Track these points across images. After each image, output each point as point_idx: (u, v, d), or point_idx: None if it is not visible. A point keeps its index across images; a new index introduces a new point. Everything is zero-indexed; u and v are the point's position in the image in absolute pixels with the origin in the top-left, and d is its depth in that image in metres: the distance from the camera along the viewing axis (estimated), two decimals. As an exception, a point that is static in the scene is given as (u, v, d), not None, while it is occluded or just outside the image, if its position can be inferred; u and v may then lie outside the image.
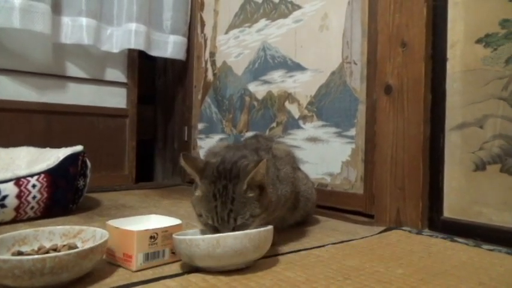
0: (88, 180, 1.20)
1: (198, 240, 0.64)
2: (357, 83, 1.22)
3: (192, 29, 1.97)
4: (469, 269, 0.71)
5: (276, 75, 1.50)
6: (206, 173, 0.71)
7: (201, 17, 1.93)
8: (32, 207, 1.03)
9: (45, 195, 1.05)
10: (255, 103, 1.59)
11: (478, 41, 0.94)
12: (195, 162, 0.73)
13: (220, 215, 0.68)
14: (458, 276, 0.67)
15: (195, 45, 1.96)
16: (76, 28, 1.63)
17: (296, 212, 0.99)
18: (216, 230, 0.68)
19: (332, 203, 1.24)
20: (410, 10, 1.04)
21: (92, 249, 0.60)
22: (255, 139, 0.99)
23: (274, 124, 1.49)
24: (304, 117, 1.38)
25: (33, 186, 1.03)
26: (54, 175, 1.08)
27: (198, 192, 0.72)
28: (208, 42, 1.88)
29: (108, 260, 0.70)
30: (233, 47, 1.72)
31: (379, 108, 1.11)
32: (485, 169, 0.92)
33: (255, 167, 0.68)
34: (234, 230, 0.67)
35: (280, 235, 0.91)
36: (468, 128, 0.95)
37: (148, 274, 0.65)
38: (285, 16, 1.47)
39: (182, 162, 0.72)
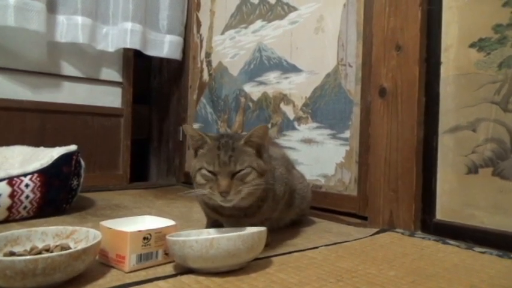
0: (82, 179, 1.20)
1: (192, 242, 0.64)
2: (352, 85, 1.22)
3: (188, 29, 1.97)
4: (461, 271, 0.71)
5: (272, 76, 1.50)
6: (211, 135, 0.78)
7: (197, 17, 1.93)
8: (25, 207, 1.03)
9: (39, 194, 1.04)
10: (250, 104, 1.60)
11: (472, 45, 0.95)
12: (198, 130, 0.79)
13: (223, 159, 0.72)
14: (450, 279, 0.67)
15: (190, 45, 1.96)
16: (71, 27, 1.63)
17: (292, 209, 1.00)
18: (214, 180, 0.72)
19: (326, 205, 1.25)
20: (405, 14, 1.05)
21: (84, 250, 0.60)
22: None
23: (269, 125, 1.50)
24: (299, 119, 1.39)
25: (27, 185, 1.02)
26: (47, 174, 1.07)
27: (201, 151, 0.77)
28: (204, 43, 1.88)
29: (101, 261, 0.70)
30: (229, 48, 1.72)
31: (374, 111, 1.12)
32: (478, 172, 0.93)
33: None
34: (233, 177, 0.71)
35: (273, 236, 0.91)
36: (461, 131, 0.96)
37: (141, 275, 0.65)
38: (281, 17, 1.47)
39: (188, 130, 0.79)
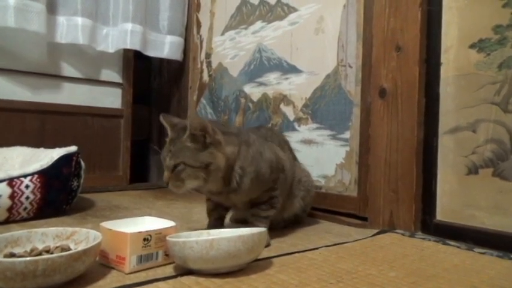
0: (82, 180, 1.20)
1: (192, 243, 0.64)
2: (352, 86, 1.22)
3: (188, 30, 1.97)
4: (461, 272, 0.71)
5: (272, 77, 1.50)
6: (176, 127, 0.83)
7: (197, 18, 1.93)
8: (25, 208, 1.02)
9: (39, 195, 1.04)
10: (250, 105, 1.60)
11: (472, 46, 0.95)
12: (171, 119, 0.86)
13: (164, 154, 0.80)
14: (450, 279, 0.67)
15: (191, 46, 1.96)
16: (71, 28, 1.63)
17: (296, 199, 1.02)
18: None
19: (326, 205, 1.25)
20: (405, 14, 1.05)
21: (85, 251, 0.60)
22: (261, 128, 1.09)
23: (269, 126, 1.50)
24: (299, 120, 1.39)
25: (27, 186, 1.02)
26: (47, 175, 1.07)
27: None
28: (204, 44, 1.88)
29: (101, 262, 0.70)
30: (229, 49, 1.72)
31: (374, 112, 1.12)
32: (478, 173, 0.93)
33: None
34: (172, 171, 0.78)
35: (273, 237, 0.91)
36: (461, 132, 0.96)
37: (142, 276, 0.65)
38: (280, 18, 1.47)
39: (161, 119, 0.85)
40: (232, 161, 0.82)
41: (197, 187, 0.81)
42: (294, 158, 1.10)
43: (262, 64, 1.55)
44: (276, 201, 0.91)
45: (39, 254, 0.65)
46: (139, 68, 2.00)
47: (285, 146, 1.07)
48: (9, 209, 0.99)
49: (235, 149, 0.83)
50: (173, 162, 0.77)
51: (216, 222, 0.94)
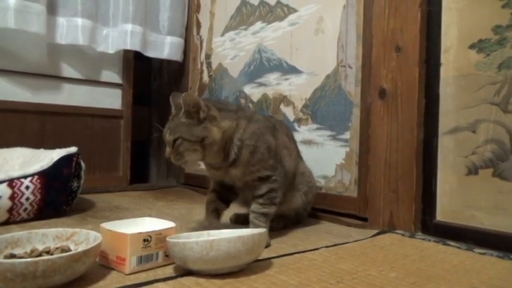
0: (82, 181, 1.20)
1: (192, 244, 0.64)
2: (352, 87, 1.22)
3: (188, 30, 1.97)
4: (461, 273, 0.71)
5: (272, 77, 1.50)
6: (178, 106, 0.86)
7: (197, 19, 1.93)
8: (25, 209, 1.03)
9: (39, 196, 1.05)
10: (250, 105, 1.60)
11: (471, 47, 0.95)
12: (176, 98, 0.89)
13: (165, 132, 0.85)
14: (450, 280, 0.67)
15: (190, 46, 1.96)
16: (71, 28, 1.63)
17: (297, 194, 1.02)
18: None
19: (326, 206, 1.25)
20: (405, 15, 1.05)
21: (85, 252, 0.60)
22: (273, 118, 1.15)
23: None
24: (299, 120, 1.39)
25: (27, 187, 1.02)
26: (47, 176, 1.07)
27: None
28: (204, 44, 1.88)
29: (101, 263, 0.70)
30: (229, 49, 1.72)
31: (374, 112, 1.12)
32: (478, 173, 0.93)
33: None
34: (172, 147, 0.83)
35: (273, 238, 0.91)
36: (461, 132, 0.96)
37: (142, 277, 0.65)
38: (280, 19, 1.48)
39: (170, 99, 0.90)
40: (230, 134, 0.87)
41: (196, 160, 0.87)
42: (299, 154, 1.12)
43: (262, 65, 1.55)
44: (276, 196, 0.91)
45: (39, 255, 0.65)
46: (139, 68, 2.01)
47: (292, 139, 1.09)
48: (10, 210, 0.99)
49: (233, 123, 0.87)
50: (172, 137, 0.83)
51: (212, 214, 0.95)
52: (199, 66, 1.91)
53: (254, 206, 0.89)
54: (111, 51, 1.75)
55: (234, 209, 1.05)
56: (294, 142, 1.11)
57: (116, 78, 1.88)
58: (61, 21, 1.62)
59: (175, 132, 0.83)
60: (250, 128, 0.89)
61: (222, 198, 0.97)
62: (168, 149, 0.84)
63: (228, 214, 1.10)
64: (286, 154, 0.97)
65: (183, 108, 0.82)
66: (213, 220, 0.94)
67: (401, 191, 1.04)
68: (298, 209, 1.04)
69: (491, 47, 0.92)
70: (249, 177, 0.90)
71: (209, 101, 0.87)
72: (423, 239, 0.94)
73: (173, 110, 0.88)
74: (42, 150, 1.27)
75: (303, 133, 1.37)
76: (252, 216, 0.89)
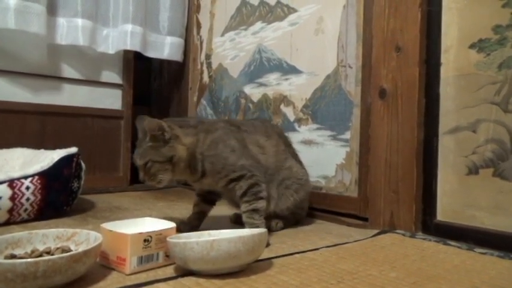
0: (82, 182, 1.20)
1: (192, 244, 0.64)
2: (352, 87, 1.22)
3: (188, 30, 1.97)
4: (462, 273, 0.71)
5: (272, 77, 1.50)
6: (143, 130, 0.91)
7: (197, 19, 1.93)
8: (26, 210, 1.03)
9: (39, 197, 1.05)
10: (251, 105, 1.60)
11: (472, 46, 0.95)
12: (141, 123, 0.93)
13: (134, 156, 0.90)
14: (451, 280, 0.67)
15: (191, 47, 1.96)
16: (71, 29, 1.63)
17: (287, 192, 1.02)
18: None
19: (326, 206, 1.25)
20: (405, 15, 1.05)
21: (85, 253, 0.60)
22: (256, 121, 1.20)
23: (266, 119, 1.49)
24: (299, 120, 1.39)
25: (27, 188, 1.02)
26: (48, 177, 1.07)
27: None
28: (204, 44, 1.88)
29: (101, 263, 0.70)
30: (229, 49, 1.72)
31: (374, 112, 1.12)
32: (478, 173, 0.93)
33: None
34: (144, 170, 0.88)
35: (273, 238, 0.91)
36: (461, 132, 0.96)
37: (142, 277, 0.65)
38: (280, 19, 1.48)
39: (137, 123, 0.95)
40: (193, 150, 0.91)
41: (169, 178, 0.90)
42: (294, 154, 1.11)
43: (262, 65, 1.55)
44: (259, 190, 0.91)
45: (40, 255, 0.64)
46: (139, 69, 2.00)
47: (281, 139, 1.08)
48: (10, 211, 0.99)
49: (193, 138, 0.92)
50: (142, 161, 0.88)
51: (195, 216, 1.02)
52: (199, 66, 1.91)
53: (243, 206, 0.90)
54: (111, 51, 1.75)
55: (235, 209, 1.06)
56: (285, 143, 1.09)
57: (116, 78, 1.87)
58: (61, 21, 1.62)
59: (144, 156, 0.88)
60: (208, 139, 0.93)
61: (206, 200, 1.03)
62: (140, 173, 0.89)
63: (228, 214, 1.10)
64: (258, 151, 0.99)
65: (148, 133, 0.87)
66: (191, 221, 1.00)
67: (402, 191, 1.04)
68: (290, 208, 1.03)
69: (492, 47, 0.92)
70: (221, 182, 0.92)
71: (172, 121, 0.93)
72: (424, 239, 0.94)
73: (139, 134, 0.93)
74: (42, 150, 1.28)
75: (303, 133, 1.37)
76: (244, 217, 0.89)
